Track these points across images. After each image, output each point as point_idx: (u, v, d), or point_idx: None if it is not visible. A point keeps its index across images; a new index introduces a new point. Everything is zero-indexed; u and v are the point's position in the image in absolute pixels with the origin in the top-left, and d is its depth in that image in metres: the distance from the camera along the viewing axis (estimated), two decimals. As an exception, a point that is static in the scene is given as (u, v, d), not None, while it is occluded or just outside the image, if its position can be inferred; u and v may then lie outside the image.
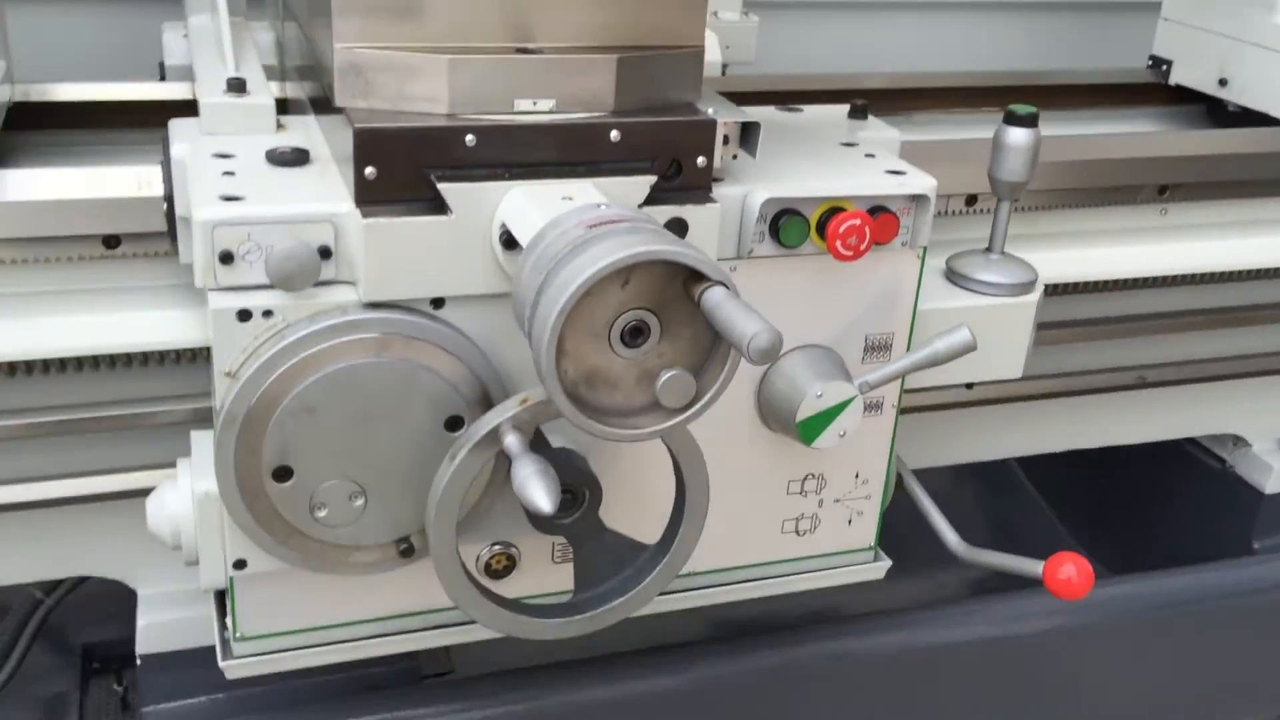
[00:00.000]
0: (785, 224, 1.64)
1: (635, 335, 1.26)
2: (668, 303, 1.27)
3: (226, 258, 1.42)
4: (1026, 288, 1.93)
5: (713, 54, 2.60)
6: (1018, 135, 1.86)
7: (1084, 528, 3.18)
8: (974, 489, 3.44)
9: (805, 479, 1.87)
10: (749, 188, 1.64)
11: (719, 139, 1.58)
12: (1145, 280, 2.37)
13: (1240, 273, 2.42)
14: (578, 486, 1.57)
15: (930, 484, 2.14)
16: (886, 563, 1.98)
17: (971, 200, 2.21)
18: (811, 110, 2.05)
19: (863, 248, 1.65)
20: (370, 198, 1.44)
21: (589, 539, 1.61)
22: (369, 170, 1.43)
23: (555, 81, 1.51)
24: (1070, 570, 1.80)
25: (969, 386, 2.20)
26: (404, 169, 1.44)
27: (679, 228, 1.54)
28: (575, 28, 1.54)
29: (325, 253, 1.45)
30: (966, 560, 1.96)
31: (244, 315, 1.43)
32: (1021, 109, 1.86)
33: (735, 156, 1.62)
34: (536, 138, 1.48)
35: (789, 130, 1.91)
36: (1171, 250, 2.38)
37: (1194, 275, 2.38)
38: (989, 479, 3.31)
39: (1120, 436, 2.61)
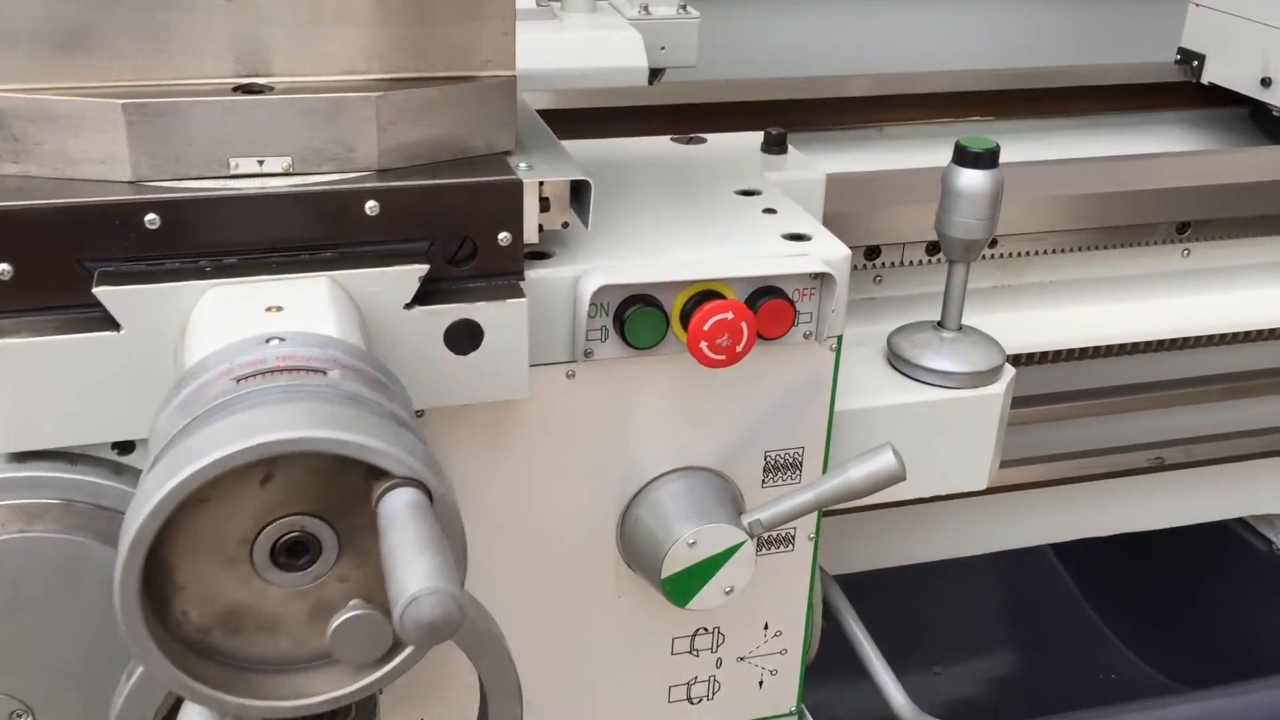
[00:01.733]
0: (633, 318, 1.19)
1: (295, 553, 0.82)
2: (345, 504, 0.82)
3: None
4: (988, 376, 1.47)
5: (635, 59, 2.15)
6: (972, 180, 1.40)
7: (1118, 614, 2.72)
8: (994, 566, 2.95)
9: (695, 634, 1.42)
10: (584, 268, 1.19)
11: (529, 205, 1.13)
12: (1164, 342, 1.89)
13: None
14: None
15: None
16: (809, 730, 1.53)
17: (935, 249, 1.74)
18: (719, 141, 1.59)
19: (739, 349, 1.20)
20: (7, 305, 1.01)
21: (363, 750, 1.18)
22: (2, 267, 1.00)
23: (290, 131, 1.07)
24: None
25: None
26: (53, 264, 1.01)
27: (468, 335, 1.10)
28: (321, 54, 1.10)
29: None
30: (914, 727, 1.51)
31: None
32: (976, 143, 1.40)
33: (566, 225, 1.18)
34: (251, 214, 1.05)
35: (666, 176, 1.46)
36: (1196, 303, 1.91)
37: (1223, 335, 1.89)
38: (1013, 554, 2.84)
39: (1140, 522, 2.14)
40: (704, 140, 1.59)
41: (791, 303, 1.23)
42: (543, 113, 2.03)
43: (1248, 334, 1.92)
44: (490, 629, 1.12)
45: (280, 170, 1.07)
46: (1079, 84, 2.37)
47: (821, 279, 1.24)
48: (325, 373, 0.82)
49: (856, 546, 1.87)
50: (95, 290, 1.00)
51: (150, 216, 1.02)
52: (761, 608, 1.44)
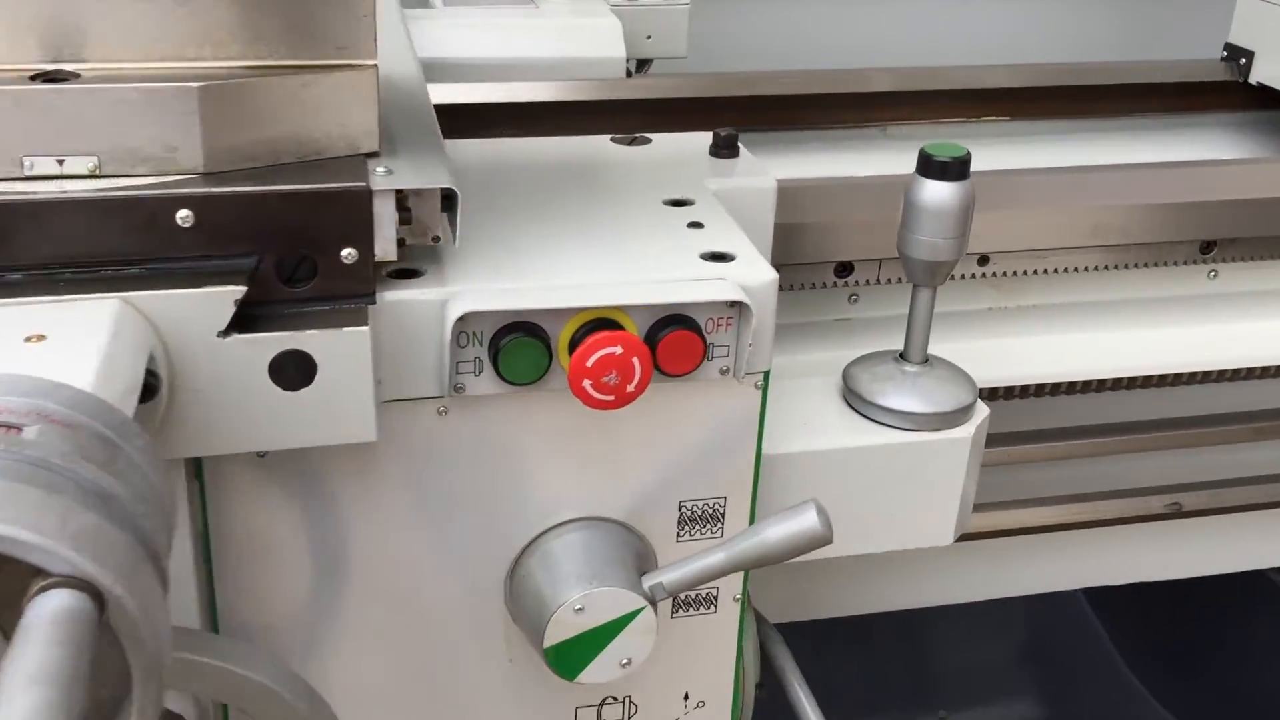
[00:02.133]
0: (508, 349, 1.02)
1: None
2: (10, 601, 0.67)
3: None
4: (955, 416, 1.28)
5: (612, 49, 1.97)
6: (938, 194, 1.21)
7: (1148, 664, 2.50)
8: (1020, 606, 2.73)
9: (602, 704, 1.26)
10: (455, 290, 1.02)
11: (383, 216, 0.97)
12: (1184, 376, 1.68)
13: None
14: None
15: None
16: (743, 809, 1.36)
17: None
18: (666, 143, 1.41)
19: (630, 389, 1.02)
20: None
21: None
22: None
23: (96, 126, 0.92)
24: None
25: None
26: None
27: (298, 368, 0.94)
28: (142, 37, 0.94)
29: None
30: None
31: None
32: (943, 150, 1.21)
33: (438, 239, 1.02)
34: (39, 223, 0.90)
35: (588, 183, 1.28)
36: (1221, 332, 1.69)
37: (1250, 369, 1.68)
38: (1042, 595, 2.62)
39: (1155, 571, 1.93)
40: (648, 141, 1.41)
41: (701, 335, 1.06)
42: (506, 106, 1.90)
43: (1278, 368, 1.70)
44: None
45: (84, 172, 0.92)
46: (1111, 81, 2.15)
47: (739, 308, 1.06)
48: (20, 429, 0.66)
49: (822, 591, 1.68)
50: None
51: (-95, 220, 0.87)
52: (680, 675, 1.26)
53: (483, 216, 1.17)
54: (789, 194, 1.35)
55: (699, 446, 1.15)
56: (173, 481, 0.75)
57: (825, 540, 1.08)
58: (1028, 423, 1.67)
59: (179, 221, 0.91)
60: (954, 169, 1.20)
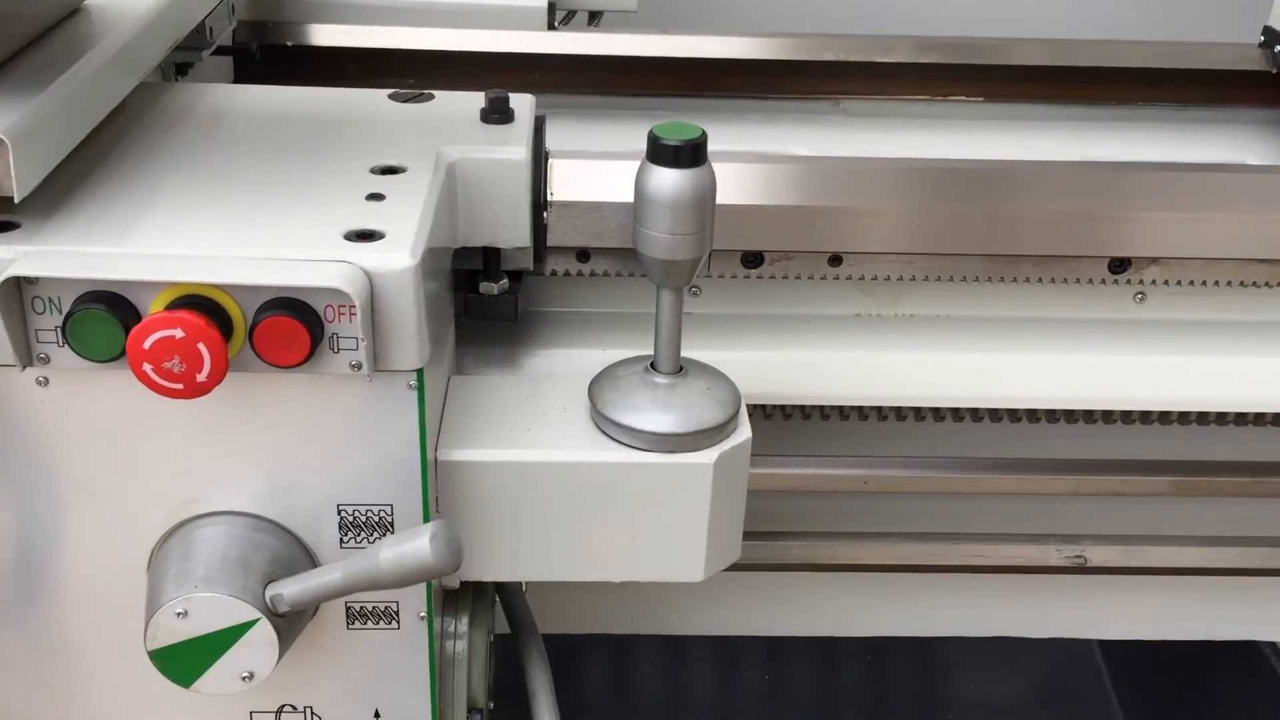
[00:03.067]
0: (78, 322, 0.92)
1: None
2: None
3: None
4: (702, 436, 1.11)
5: (533, -2, 1.83)
6: (665, 182, 1.04)
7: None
8: (1029, 650, 2.50)
9: (280, 711, 1.15)
10: (32, 250, 0.92)
11: (-75, 162, 0.87)
12: (1096, 413, 1.45)
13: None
14: None
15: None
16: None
17: (753, 260, 1.36)
18: (448, 100, 1.28)
19: (200, 378, 0.90)
20: None
21: None
22: None
23: None
24: None
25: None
26: None
27: None
28: None
29: None
30: None
31: None
32: (673, 132, 1.03)
33: (10, 198, 0.91)
34: None
35: (301, 142, 1.16)
36: (1151, 365, 1.45)
37: (1199, 413, 1.44)
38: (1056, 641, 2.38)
39: (1041, 627, 1.71)
40: (431, 98, 1.27)
41: (306, 322, 0.92)
42: (405, 53, 1.78)
43: (1204, 415, 1.45)
44: None
45: None
46: (1115, 64, 1.88)
47: (365, 296, 0.93)
48: None
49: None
50: None
51: None
52: (366, 691, 1.15)
53: (154, 172, 1.07)
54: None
55: (351, 448, 1.02)
56: None
57: (442, 570, 0.95)
58: (885, 446, 1.48)
59: None
60: (686, 154, 1.03)
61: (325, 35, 1.77)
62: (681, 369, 1.15)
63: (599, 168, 1.31)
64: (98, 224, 0.97)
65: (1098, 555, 1.53)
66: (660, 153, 1.03)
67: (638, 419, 1.11)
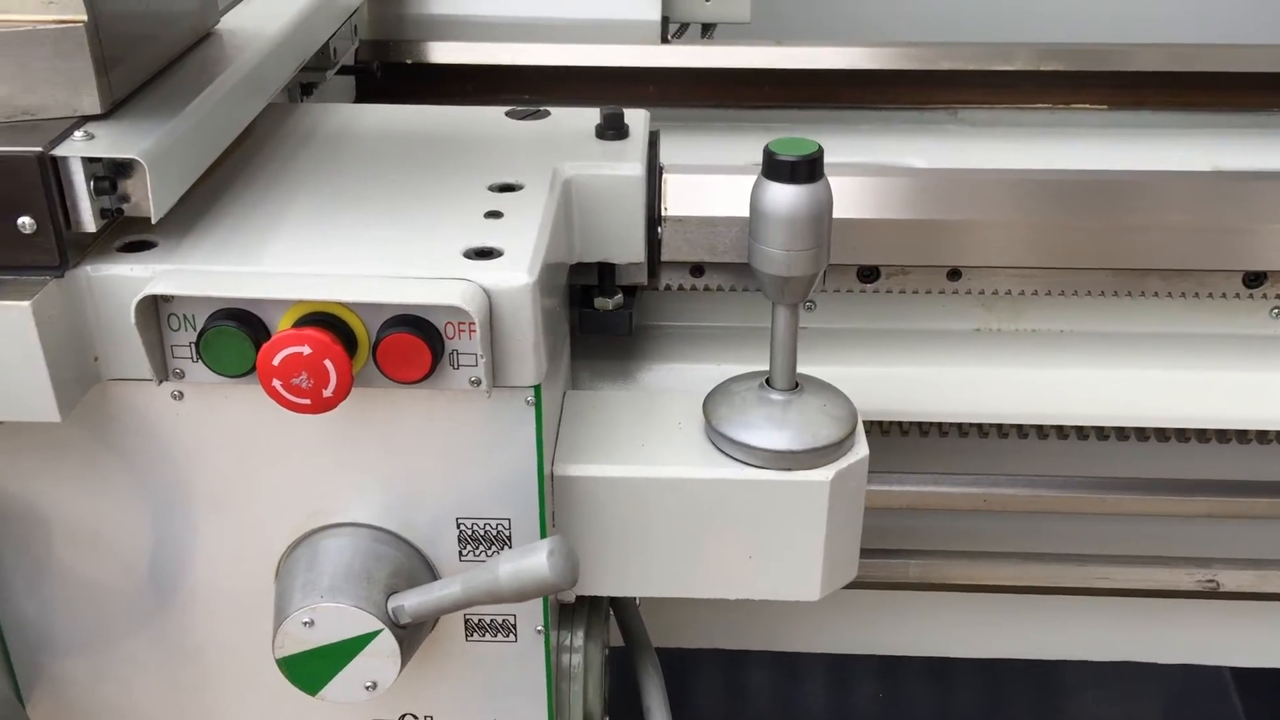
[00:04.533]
0: (210, 338, 0.94)
1: None
2: None
3: None
4: (818, 455, 1.10)
5: (646, 11, 1.83)
6: (780, 198, 1.03)
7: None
8: (1156, 675, 2.40)
9: (402, 719, 1.17)
10: (167, 269, 0.96)
11: (76, 186, 0.91)
12: (1230, 433, 1.40)
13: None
14: None
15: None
16: None
17: (869, 275, 1.34)
18: (564, 116, 1.29)
19: (327, 393, 0.92)
20: None
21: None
22: None
23: None
24: None
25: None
26: None
27: (-45, 341, 0.90)
28: None
29: None
30: None
31: None
32: (790, 147, 1.03)
33: (150, 214, 0.95)
34: None
35: (419, 159, 1.18)
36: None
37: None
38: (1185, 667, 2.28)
39: (1174, 653, 1.65)
40: (546, 115, 1.29)
41: (431, 338, 0.94)
42: (523, 70, 1.80)
43: (1343, 435, 1.39)
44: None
45: None
46: (1249, 69, 1.81)
47: (486, 313, 0.94)
48: None
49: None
50: None
51: None
52: (484, 703, 1.16)
53: (281, 192, 1.10)
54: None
55: (470, 462, 1.03)
56: None
57: (559, 585, 0.95)
58: (1015, 465, 1.44)
59: None
60: (802, 169, 1.02)
61: (443, 53, 1.80)
62: (797, 385, 1.15)
63: (713, 182, 1.31)
64: (229, 243, 1.00)
65: (1231, 580, 1.47)
66: (776, 168, 1.03)
67: (753, 436, 1.10)
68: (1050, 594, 1.52)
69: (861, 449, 1.13)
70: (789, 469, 1.10)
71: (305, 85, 1.54)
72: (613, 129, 1.22)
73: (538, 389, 1.00)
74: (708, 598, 1.18)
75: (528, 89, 1.79)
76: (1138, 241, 1.32)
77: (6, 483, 1.05)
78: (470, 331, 0.95)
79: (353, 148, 1.21)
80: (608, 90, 1.82)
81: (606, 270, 1.23)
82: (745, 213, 1.20)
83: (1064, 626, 1.64)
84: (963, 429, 1.40)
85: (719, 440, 1.12)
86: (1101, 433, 1.40)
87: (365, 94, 1.80)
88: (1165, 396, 1.38)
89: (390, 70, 1.81)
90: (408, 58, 1.83)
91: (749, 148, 1.32)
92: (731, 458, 1.11)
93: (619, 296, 1.25)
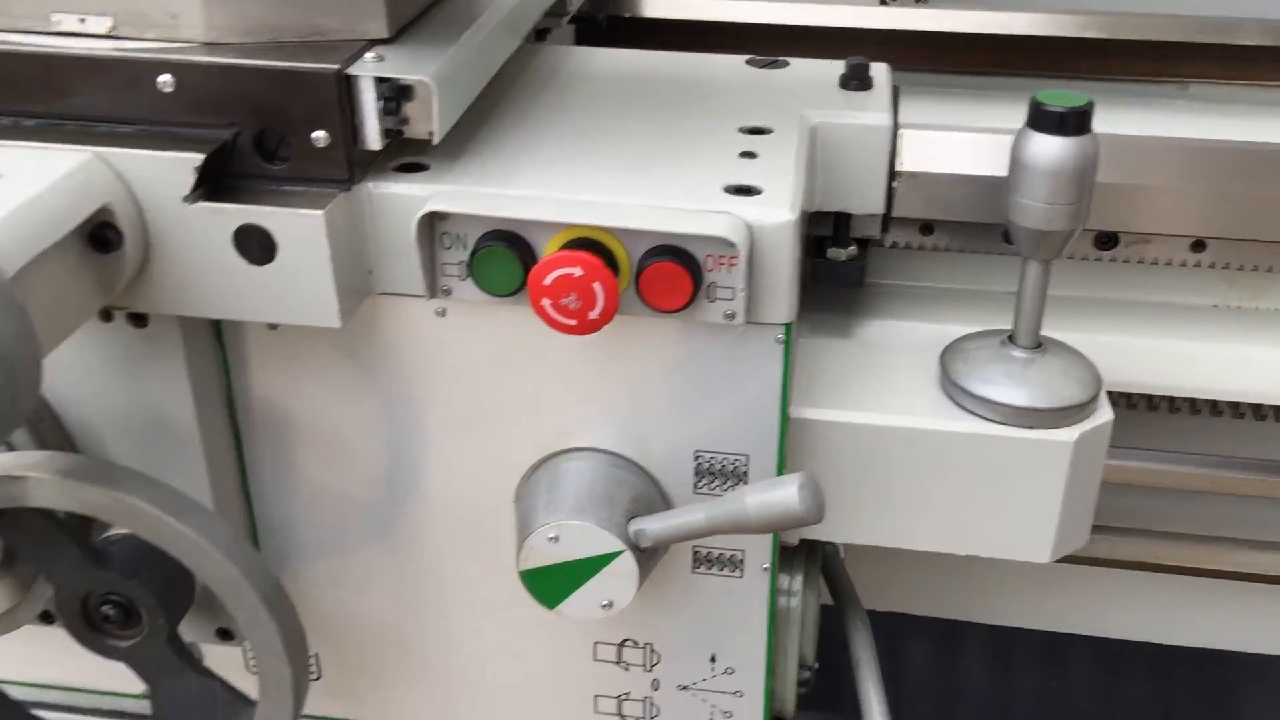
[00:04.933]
0: (482, 257, 0.98)
1: None
2: None
3: None
4: (1062, 414, 1.09)
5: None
6: (1046, 150, 1.02)
7: None
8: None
9: (622, 645, 1.20)
10: (443, 189, 0.99)
11: (365, 104, 0.95)
12: None
13: None
14: (131, 600, 1.05)
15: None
16: (774, 798, 1.26)
17: (1107, 242, 1.32)
18: (803, 67, 1.29)
19: (593, 315, 0.95)
20: None
21: (161, 675, 1.09)
22: None
23: (117, -11, 0.96)
24: None
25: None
26: None
27: (260, 243, 0.95)
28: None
29: None
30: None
31: None
32: (1058, 99, 1.01)
33: (431, 135, 0.98)
34: (40, 76, 0.96)
35: (672, 101, 1.19)
36: None
37: None
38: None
39: None
40: (785, 64, 1.29)
41: (693, 270, 0.95)
42: (745, 26, 1.80)
43: None
44: (265, 593, 0.99)
45: (103, 31, 0.97)
46: None
47: (746, 248, 0.95)
48: None
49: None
50: None
51: (-52, 65, 0.96)
52: (704, 635, 1.18)
53: (542, 124, 1.12)
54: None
55: (713, 395, 1.05)
56: (17, 319, 0.78)
57: (806, 518, 0.96)
58: (1238, 447, 1.40)
59: (160, 86, 0.94)
60: (1070, 121, 1.00)
61: (661, 8, 1.82)
62: (1040, 345, 1.13)
63: (950, 140, 1.29)
64: (498, 169, 1.03)
65: None
66: (1044, 119, 1.01)
67: (995, 391, 1.09)
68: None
69: (1106, 413, 1.11)
70: (1032, 427, 1.09)
71: (539, 31, 1.57)
72: (857, 80, 1.22)
73: (789, 327, 1.01)
74: (934, 551, 1.17)
75: (744, 47, 1.79)
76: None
77: (272, 388, 1.10)
78: (730, 264, 0.96)
79: (599, 87, 1.23)
80: (824, 50, 1.81)
81: (843, 220, 1.23)
82: (981, 171, 1.20)
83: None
84: (1195, 405, 1.36)
85: (957, 394, 1.11)
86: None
87: (585, 43, 1.83)
88: None
89: (611, 22, 1.83)
90: (627, 11, 1.86)
91: (964, 112, 1.31)
92: (970, 412, 1.10)
93: (852, 248, 1.25)
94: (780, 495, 0.95)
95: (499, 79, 1.22)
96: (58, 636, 1.11)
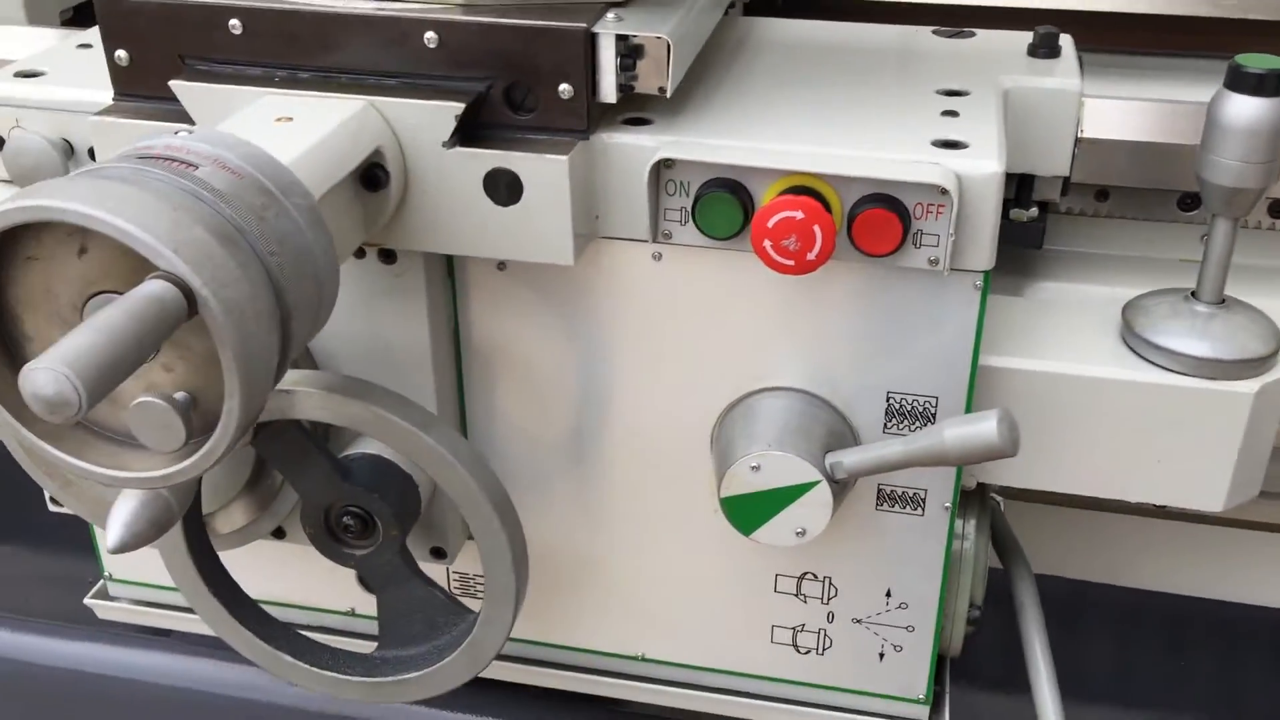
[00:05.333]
0: (705, 202, 1.07)
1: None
2: None
3: (-4, 143, 1.20)
4: (1244, 366, 1.14)
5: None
6: (1242, 109, 1.07)
7: None
8: None
9: (802, 578, 1.28)
10: (670, 140, 1.08)
11: (605, 60, 1.04)
12: None
13: None
14: (370, 511, 1.17)
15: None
16: (941, 726, 1.33)
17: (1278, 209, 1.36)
18: (991, 37, 1.36)
19: (811, 256, 1.03)
20: (128, 90, 1.13)
21: (391, 583, 1.20)
22: (119, 54, 1.11)
23: (387, -45, 1.07)
24: None
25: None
26: (159, 56, 1.10)
27: (507, 186, 1.05)
28: (434, -121, 1.08)
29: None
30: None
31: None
32: (1256, 61, 1.06)
33: (662, 90, 1.07)
34: (316, 33, 1.07)
35: (875, 66, 1.26)
36: None
37: None
38: None
39: None
40: (971, 35, 1.36)
41: (904, 216, 1.03)
42: (904, 5, 1.86)
43: None
44: (498, 506, 1.09)
45: (371, -7, 1.08)
46: None
47: (950, 196, 1.02)
48: (196, 167, 0.82)
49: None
50: (170, 83, 1.08)
51: (233, 22, 1.07)
52: (882, 570, 1.25)
53: (749, 84, 1.21)
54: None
55: (909, 338, 1.12)
56: (324, 242, 0.89)
57: (1003, 451, 1.03)
58: None
59: (426, 42, 1.04)
60: (1270, 83, 1.05)
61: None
62: (1224, 301, 1.18)
63: (1127, 108, 1.35)
64: (716, 124, 1.12)
65: None
66: (1242, 80, 1.06)
67: (1178, 343, 1.15)
68: None
69: (1283, 366, 1.16)
70: (1213, 378, 1.14)
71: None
72: (1046, 48, 1.28)
73: (987, 275, 1.08)
74: (1107, 498, 1.23)
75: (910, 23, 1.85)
76: None
77: (494, 325, 1.21)
78: (938, 212, 1.04)
79: (798, 54, 1.31)
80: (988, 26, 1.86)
81: (1026, 182, 1.29)
82: (1158, 139, 1.25)
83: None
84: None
85: (1139, 345, 1.17)
86: None
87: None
88: None
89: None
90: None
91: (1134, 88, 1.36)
92: (1152, 363, 1.16)
93: (1034, 210, 1.31)
94: (981, 428, 1.02)
95: (705, 45, 1.30)
96: (275, 552, 1.24)
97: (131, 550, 0.98)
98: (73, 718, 1.62)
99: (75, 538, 1.56)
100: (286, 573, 1.40)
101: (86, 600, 1.51)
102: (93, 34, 1.34)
